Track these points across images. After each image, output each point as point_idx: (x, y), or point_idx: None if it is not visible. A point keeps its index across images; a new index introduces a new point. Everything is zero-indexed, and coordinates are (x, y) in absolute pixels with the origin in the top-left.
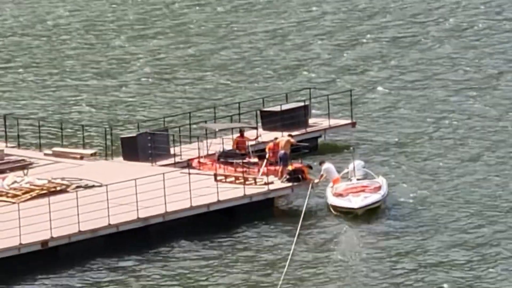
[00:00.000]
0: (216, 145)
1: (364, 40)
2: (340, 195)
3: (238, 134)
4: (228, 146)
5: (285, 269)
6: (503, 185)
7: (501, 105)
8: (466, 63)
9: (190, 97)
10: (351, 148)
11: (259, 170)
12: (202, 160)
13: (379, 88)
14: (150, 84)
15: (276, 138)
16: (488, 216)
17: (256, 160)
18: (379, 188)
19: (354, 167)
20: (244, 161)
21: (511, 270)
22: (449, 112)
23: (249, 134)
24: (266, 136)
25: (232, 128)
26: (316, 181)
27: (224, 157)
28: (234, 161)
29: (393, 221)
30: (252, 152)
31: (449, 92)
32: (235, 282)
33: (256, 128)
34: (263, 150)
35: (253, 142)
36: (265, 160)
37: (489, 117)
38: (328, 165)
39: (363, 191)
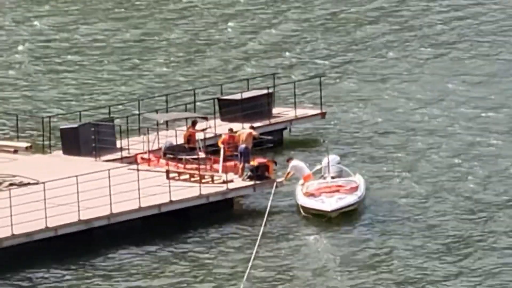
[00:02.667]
0: (166, 139)
1: (338, 23)
2: (312, 195)
3: (190, 126)
4: (178, 139)
5: (244, 279)
6: (488, 182)
7: (475, 86)
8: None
9: (141, 84)
10: (325, 141)
11: (211, 167)
12: (145, 156)
13: (350, 74)
14: (97, 69)
15: (231, 130)
16: (473, 217)
17: (204, 155)
18: (356, 188)
19: (328, 163)
20: (193, 156)
21: (495, 274)
22: (430, 99)
23: (202, 126)
24: (224, 128)
25: (180, 119)
26: (281, 179)
27: (171, 152)
28: (182, 156)
29: (369, 227)
30: (202, 146)
31: (430, 76)
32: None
33: (206, 118)
34: (216, 144)
35: (202, 135)
36: (221, 155)
37: (476, 103)
38: (296, 162)
39: (337, 191)
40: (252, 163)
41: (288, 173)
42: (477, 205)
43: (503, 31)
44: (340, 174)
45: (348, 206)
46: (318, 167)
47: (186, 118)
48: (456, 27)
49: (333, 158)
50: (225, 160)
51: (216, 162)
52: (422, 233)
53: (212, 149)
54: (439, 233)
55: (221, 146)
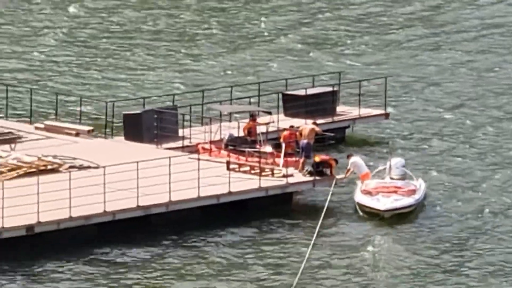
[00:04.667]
0: (228, 130)
1: (407, 24)
2: (369, 193)
3: (250, 119)
4: (240, 132)
5: (299, 273)
6: None
7: None
8: None
9: (206, 74)
10: (389, 142)
11: (274, 161)
12: (206, 146)
13: (418, 76)
14: (161, 57)
15: (291, 127)
16: None
17: (269, 149)
18: (414, 191)
19: (390, 165)
20: (256, 149)
21: None
22: (504, 103)
23: (265, 119)
24: (287, 123)
25: (243, 112)
26: (341, 176)
27: (233, 144)
28: (245, 149)
29: (425, 232)
30: (264, 140)
31: (503, 80)
32: (243, 284)
33: (270, 112)
34: (278, 138)
35: (264, 129)
36: (283, 150)
37: None
38: (356, 158)
39: (395, 192)
40: (315, 158)
41: (348, 170)
42: None
43: None
44: (403, 177)
45: (403, 208)
46: (381, 167)
47: (250, 111)
48: None
49: (398, 161)
50: (286, 155)
51: (278, 156)
52: (478, 247)
53: (274, 143)
54: (496, 250)
55: (282, 143)
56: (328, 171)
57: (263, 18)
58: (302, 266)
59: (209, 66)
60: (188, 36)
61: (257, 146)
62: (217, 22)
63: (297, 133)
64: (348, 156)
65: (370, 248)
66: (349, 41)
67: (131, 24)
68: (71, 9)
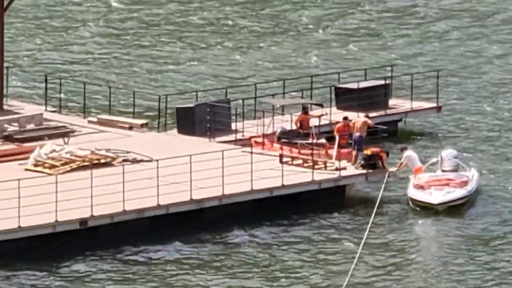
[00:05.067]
0: (281, 123)
1: (448, 15)
2: (421, 187)
3: (302, 112)
4: (292, 125)
5: (352, 265)
6: None
7: None
8: None
9: (258, 67)
10: (440, 135)
11: (327, 153)
12: (259, 139)
13: (469, 71)
14: (208, 49)
15: (345, 118)
16: None
17: (323, 141)
18: (466, 182)
19: (441, 157)
20: (309, 142)
21: None
22: None
23: (317, 112)
24: (339, 116)
25: (296, 104)
26: (393, 169)
27: (285, 137)
28: (298, 141)
29: (480, 223)
30: (316, 133)
31: None
32: (295, 279)
33: (321, 105)
34: (333, 131)
35: (316, 121)
36: (336, 142)
37: None
38: (410, 152)
39: (447, 184)
40: (366, 151)
41: (402, 163)
42: None
43: None
44: (456, 169)
45: (456, 200)
46: (433, 160)
47: (302, 104)
48: None
49: (450, 152)
50: (339, 148)
51: (331, 148)
52: None
53: (327, 136)
54: None
55: (336, 135)
56: (380, 163)
57: (304, 11)
58: (353, 266)
59: (256, 58)
60: (232, 28)
61: (310, 139)
62: (261, 14)
63: (350, 126)
64: (402, 150)
65: (421, 246)
66: (391, 34)
67: (174, 17)
68: (113, 3)
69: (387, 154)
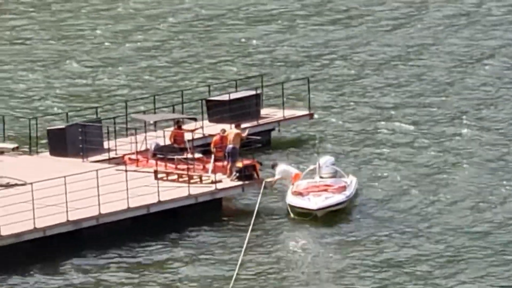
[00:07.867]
0: (153, 139)
1: (327, 25)
2: (300, 194)
3: (175, 126)
4: (166, 140)
5: (233, 278)
6: (482, 183)
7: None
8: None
9: (127, 85)
10: (316, 142)
11: (204, 167)
12: (133, 156)
13: (337, 76)
14: (84, 72)
15: (223, 131)
16: (471, 222)
17: (199, 155)
18: (344, 188)
19: (319, 164)
20: (185, 156)
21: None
22: (418, 96)
23: (190, 126)
24: (212, 129)
25: (168, 120)
26: (270, 179)
27: (161, 153)
28: (174, 156)
29: (357, 227)
30: (191, 147)
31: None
32: None
33: (195, 119)
34: (207, 144)
35: (190, 136)
36: (212, 156)
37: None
38: (281, 166)
39: (325, 190)
40: (237, 164)
41: (275, 180)
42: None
43: None
44: (334, 175)
45: (335, 205)
46: (311, 167)
47: (175, 119)
48: None
49: (327, 159)
50: (216, 161)
51: (207, 162)
52: (409, 232)
53: (201, 149)
54: (430, 232)
55: (213, 148)
56: (255, 174)
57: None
58: (235, 274)
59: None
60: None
61: (186, 154)
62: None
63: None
64: (273, 167)
65: (297, 249)
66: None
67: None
68: None
69: (260, 164)
